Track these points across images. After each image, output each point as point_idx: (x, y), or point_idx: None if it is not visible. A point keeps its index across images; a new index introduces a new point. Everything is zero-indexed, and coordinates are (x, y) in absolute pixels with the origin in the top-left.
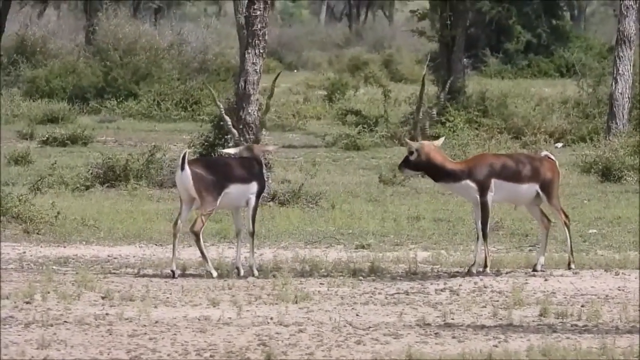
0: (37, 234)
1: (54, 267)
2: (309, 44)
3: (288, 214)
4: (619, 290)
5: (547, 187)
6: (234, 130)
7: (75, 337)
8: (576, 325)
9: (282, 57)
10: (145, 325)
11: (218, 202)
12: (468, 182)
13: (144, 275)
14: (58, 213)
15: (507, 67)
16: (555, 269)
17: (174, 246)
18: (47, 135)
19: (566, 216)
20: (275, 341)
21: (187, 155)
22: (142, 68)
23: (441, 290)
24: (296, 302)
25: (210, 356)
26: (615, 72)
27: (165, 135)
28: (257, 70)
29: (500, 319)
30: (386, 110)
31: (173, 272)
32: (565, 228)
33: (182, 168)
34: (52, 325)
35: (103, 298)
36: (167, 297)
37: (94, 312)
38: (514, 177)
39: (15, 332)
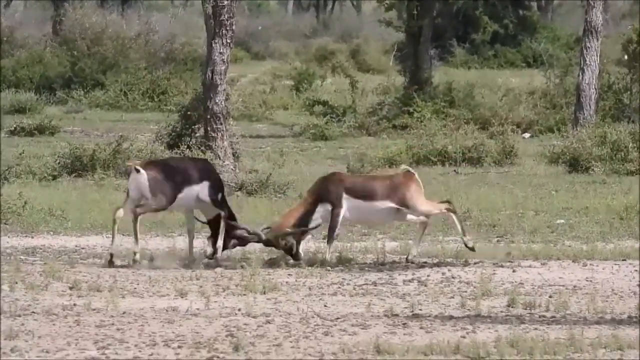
0: (5, 224)
1: (21, 257)
2: (276, 34)
3: (256, 204)
4: (587, 281)
5: (408, 203)
6: None
7: (43, 328)
8: (544, 316)
9: (249, 47)
10: (112, 316)
11: (171, 204)
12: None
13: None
14: (25, 203)
15: (474, 58)
16: (523, 259)
17: (113, 233)
18: (14, 126)
19: (449, 203)
20: (243, 332)
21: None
22: (109, 58)
23: (409, 281)
24: (264, 293)
25: (178, 347)
26: (582, 62)
27: (132, 125)
28: (225, 60)
29: (468, 309)
30: (354, 100)
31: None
32: (450, 213)
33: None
34: (20, 316)
35: (71, 288)
36: (135, 288)
37: (61, 302)
38: (365, 195)
39: None
